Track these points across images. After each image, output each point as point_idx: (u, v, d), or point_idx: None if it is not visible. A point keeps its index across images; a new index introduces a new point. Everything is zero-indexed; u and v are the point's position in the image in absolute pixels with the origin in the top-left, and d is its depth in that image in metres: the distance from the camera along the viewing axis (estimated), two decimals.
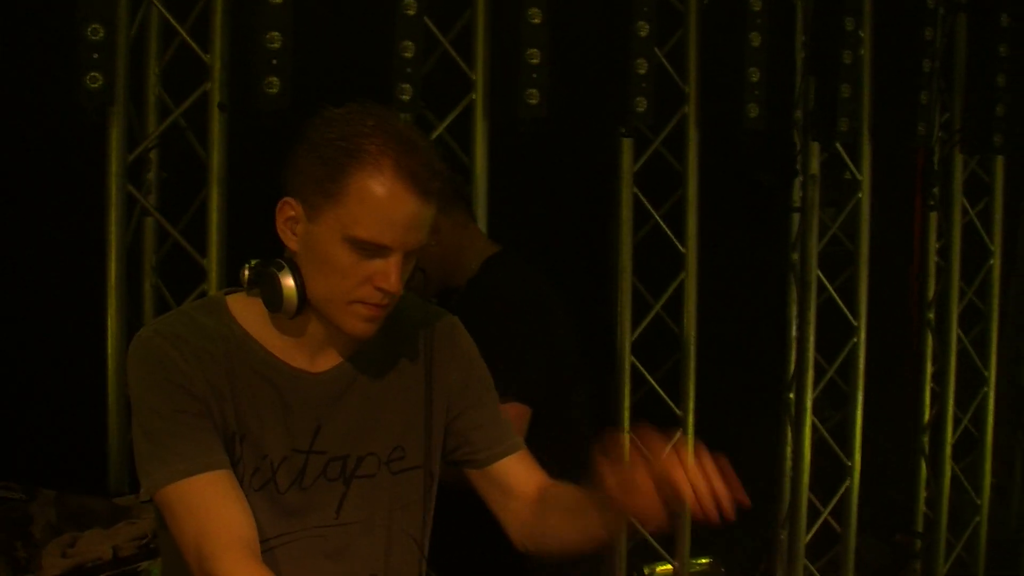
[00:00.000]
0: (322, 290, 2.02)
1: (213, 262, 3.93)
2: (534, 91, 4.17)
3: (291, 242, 2.04)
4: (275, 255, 2.08)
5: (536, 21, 4.15)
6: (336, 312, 2.03)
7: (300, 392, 2.11)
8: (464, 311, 3.12)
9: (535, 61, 4.17)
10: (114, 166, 3.82)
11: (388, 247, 1.97)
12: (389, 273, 1.98)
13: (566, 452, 3.26)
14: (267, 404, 2.08)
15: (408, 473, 2.21)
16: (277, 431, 2.09)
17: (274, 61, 3.75)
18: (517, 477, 2.28)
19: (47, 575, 3.22)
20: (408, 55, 3.98)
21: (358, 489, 2.15)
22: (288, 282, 2.02)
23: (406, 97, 3.98)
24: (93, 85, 3.63)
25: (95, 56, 3.61)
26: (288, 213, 2.03)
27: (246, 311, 2.11)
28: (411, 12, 3.98)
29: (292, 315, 2.05)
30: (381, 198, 1.94)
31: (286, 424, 2.09)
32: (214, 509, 1.98)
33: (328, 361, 2.14)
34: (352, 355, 2.16)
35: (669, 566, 4.99)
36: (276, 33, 3.76)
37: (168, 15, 3.93)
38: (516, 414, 3.03)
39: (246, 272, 2.10)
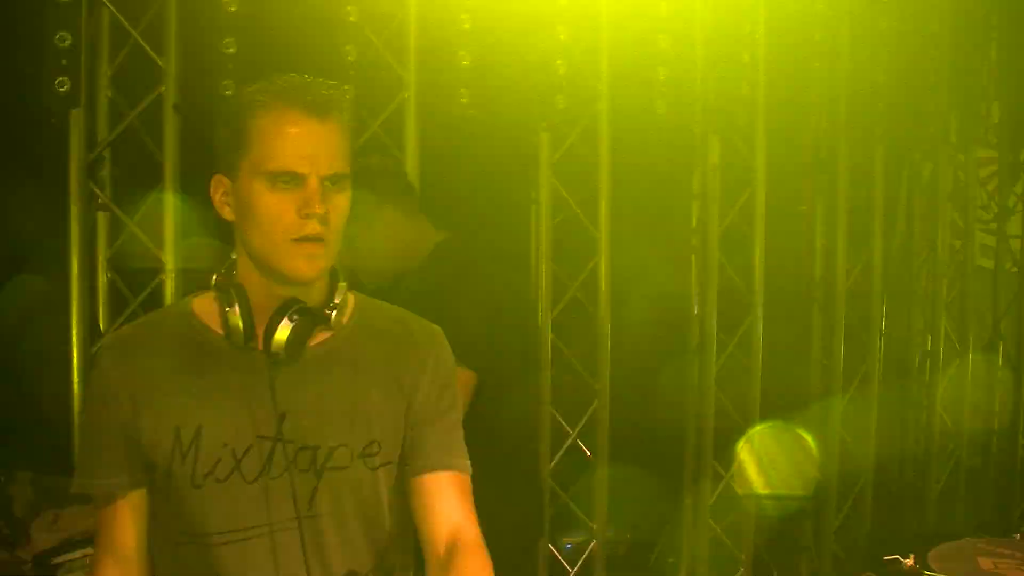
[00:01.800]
0: (261, 241, 2.08)
1: (169, 255, 4.18)
2: (464, 90, 4.48)
3: (228, 214, 2.13)
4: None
5: (466, 26, 4.46)
6: (280, 259, 2.08)
7: (262, 377, 2.12)
8: (418, 288, 3.46)
9: (465, 63, 4.47)
10: (74, 165, 4.06)
11: (301, 173, 2.04)
12: (310, 198, 2.04)
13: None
14: (228, 392, 2.12)
15: (386, 468, 2.20)
16: (239, 418, 2.11)
17: (230, 65, 4.01)
18: (441, 500, 2.23)
19: (39, 548, 3.45)
20: (351, 58, 4.26)
21: (330, 481, 2.14)
22: (234, 316, 2.12)
23: (348, 96, 4.25)
24: (61, 89, 3.87)
25: (63, 62, 3.85)
26: (219, 189, 2.13)
27: (211, 305, 2.18)
28: (352, 19, 4.26)
29: (241, 345, 2.12)
30: (280, 128, 2.04)
31: (250, 410, 2.11)
32: (110, 530, 2.19)
33: None
34: (320, 343, 2.18)
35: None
36: (231, 39, 4.02)
37: (121, 18, 4.16)
38: (463, 380, 3.32)
39: (213, 279, 2.18)
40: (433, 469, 2.24)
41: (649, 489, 5.59)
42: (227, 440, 2.10)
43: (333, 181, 2.08)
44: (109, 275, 4.29)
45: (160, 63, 4.18)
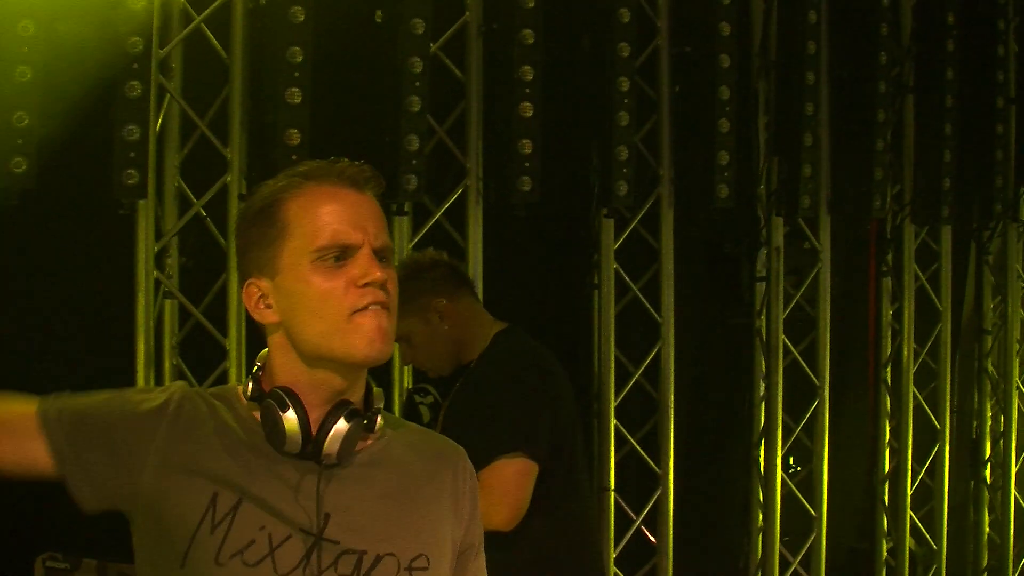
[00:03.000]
0: (318, 327, 1.89)
1: (234, 342, 4.23)
2: (527, 178, 4.52)
3: (270, 317, 1.94)
4: None
5: (528, 115, 4.51)
6: (341, 341, 1.89)
7: (311, 479, 1.94)
8: (477, 379, 3.46)
9: (527, 151, 4.51)
10: (142, 254, 4.13)
11: (353, 244, 1.89)
12: (367, 266, 1.88)
13: (578, 508, 3.60)
14: (276, 477, 1.93)
15: None
16: (282, 504, 1.92)
17: (293, 156, 4.07)
18: None
19: None
20: (413, 148, 4.31)
21: None
22: (290, 419, 1.91)
23: (411, 187, 4.32)
24: (129, 182, 3.94)
25: (132, 155, 3.93)
26: (254, 294, 1.95)
27: (249, 409, 1.99)
28: (415, 109, 4.32)
29: (297, 452, 1.93)
30: (319, 203, 1.89)
31: (295, 501, 1.93)
32: None
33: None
34: (374, 444, 2.02)
35: None
36: (295, 130, 4.08)
37: (189, 110, 4.25)
38: (523, 468, 3.27)
39: (249, 387, 1.97)
40: None
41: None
42: (266, 523, 1.90)
43: (382, 256, 1.92)
44: (175, 361, 4.34)
45: (226, 154, 4.26)
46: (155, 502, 1.91)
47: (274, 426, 1.91)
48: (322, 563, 1.90)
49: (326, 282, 1.88)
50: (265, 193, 1.94)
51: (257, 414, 1.96)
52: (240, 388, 2.01)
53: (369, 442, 2.01)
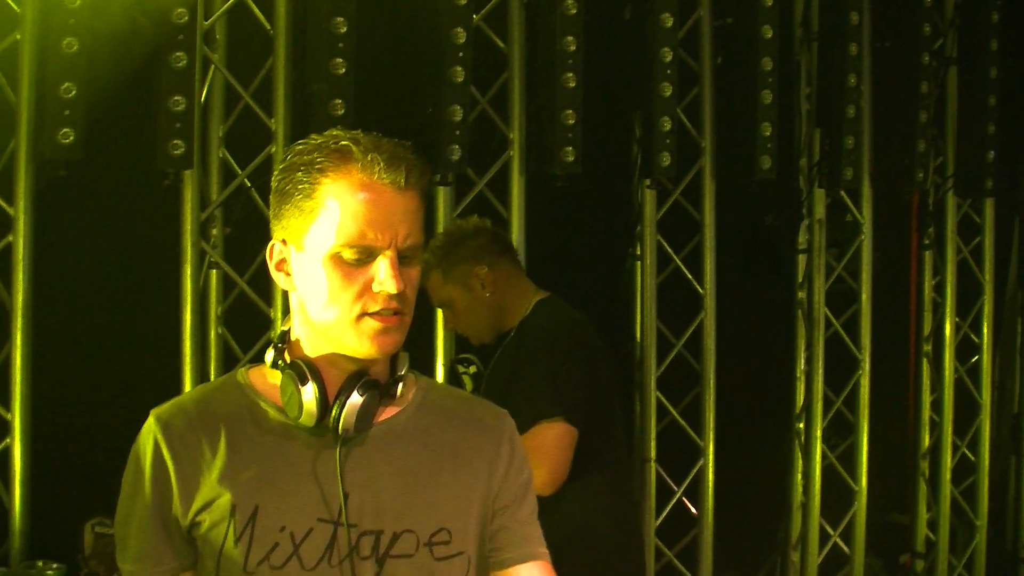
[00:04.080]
0: (328, 315, 1.91)
1: (279, 311, 4.26)
2: (570, 149, 4.52)
3: (287, 284, 1.97)
4: None
5: (571, 85, 4.50)
6: (348, 336, 1.92)
7: (326, 457, 1.96)
8: (517, 345, 3.49)
9: (571, 121, 4.51)
10: (188, 224, 4.16)
11: (376, 247, 1.89)
12: (386, 274, 1.89)
13: (614, 476, 3.61)
14: (288, 470, 1.96)
15: (452, 560, 2.02)
16: (299, 500, 1.94)
17: (338, 127, 4.06)
18: None
19: None
20: (456, 118, 4.32)
21: (392, 570, 1.97)
22: (308, 395, 1.94)
23: (455, 157, 4.33)
24: (175, 152, 3.97)
25: (177, 126, 3.95)
26: (278, 256, 1.97)
27: (267, 379, 2.03)
28: (458, 79, 4.33)
29: (311, 426, 1.96)
30: (354, 197, 1.88)
31: (311, 490, 1.95)
32: None
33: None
34: (385, 420, 2.02)
35: None
36: (339, 101, 4.10)
37: (233, 81, 4.27)
38: (562, 432, 3.32)
39: (271, 355, 2.01)
40: (523, 560, 2.10)
41: (755, 548, 5.55)
42: (286, 523, 1.93)
43: (407, 254, 1.93)
44: (220, 331, 4.37)
45: (270, 124, 4.28)
46: (194, 535, 1.96)
47: (291, 398, 1.95)
48: (343, 550, 1.94)
49: (344, 278, 1.90)
50: (314, 156, 1.92)
51: (271, 386, 2.00)
52: (241, 373, 2.05)
53: (393, 411, 2.03)
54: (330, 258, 1.90)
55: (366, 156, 1.89)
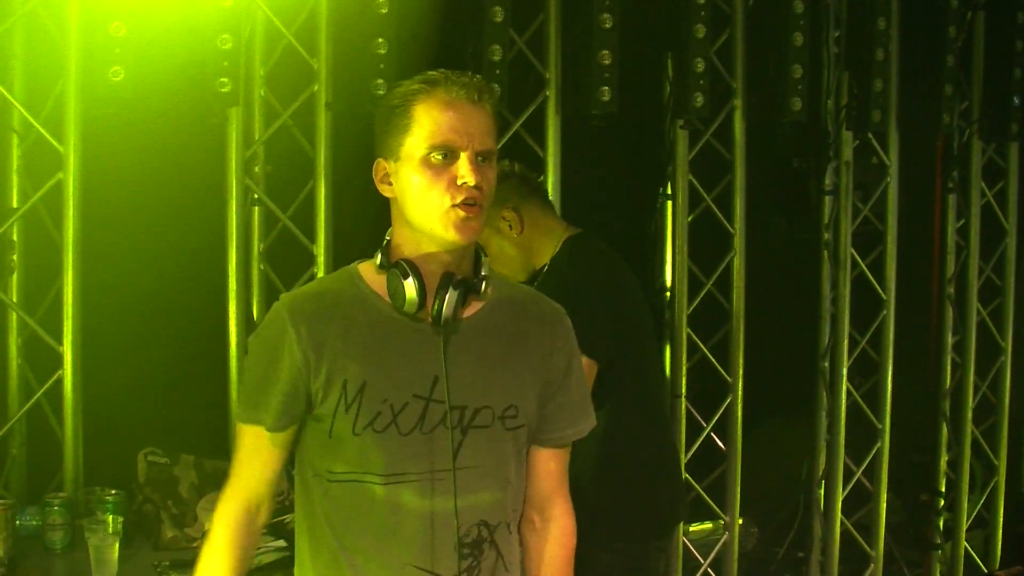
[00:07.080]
0: (421, 210, 2.36)
1: (321, 247, 4.34)
2: (606, 89, 4.58)
3: (388, 192, 2.43)
4: (376, 239, 2.48)
5: (607, 26, 4.56)
6: (440, 226, 2.35)
7: (422, 344, 2.41)
8: (543, 281, 3.57)
9: (607, 62, 4.57)
10: (233, 163, 4.23)
11: (457, 147, 2.34)
12: (466, 169, 2.33)
13: (645, 409, 3.69)
14: (392, 353, 2.39)
15: (519, 431, 2.50)
16: (399, 378, 2.38)
17: (381, 65, 4.14)
18: (541, 467, 2.62)
19: (205, 528, 3.60)
20: (495, 58, 4.38)
21: (473, 438, 2.43)
22: (410, 289, 2.37)
23: (495, 87, 4.38)
24: (223, 90, 4.04)
25: (225, 64, 4.02)
26: (381, 171, 2.43)
27: (376, 274, 2.45)
28: (497, 19, 4.39)
29: (414, 312, 2.39)
30: (440, 109, 2.34)
31: (409, 371, 2.39)
32: (245, 459, 2.48)
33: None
34: (472, 314, 2.47)
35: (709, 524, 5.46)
36: (381, 40, 4.16)
37: (276, 19, 4.32)
38: (583, 365, 3.41)
39: (378, 256, 2.44)
40: (558, 445, 2.62)
41: (780, 484, 5.65)
42: (387, 396, 2.37)
43: (484, 157, 2.38)
44: (263, 267, 4.45)
45: (312, 63, 4.34)
46: (314, 401, 2.41)
47: (396, 291, 2.39)
48: (434, 420, 2.40)
49: (433, 176, 2.36)
50: (403, 91, 2.40)
51: (379, 280, 2.44)
52: (355, 268, 2.49)
53: (477, 307, 2.48)
54: (421, 161, 2.36)
55: (447, 80, 2.37)
